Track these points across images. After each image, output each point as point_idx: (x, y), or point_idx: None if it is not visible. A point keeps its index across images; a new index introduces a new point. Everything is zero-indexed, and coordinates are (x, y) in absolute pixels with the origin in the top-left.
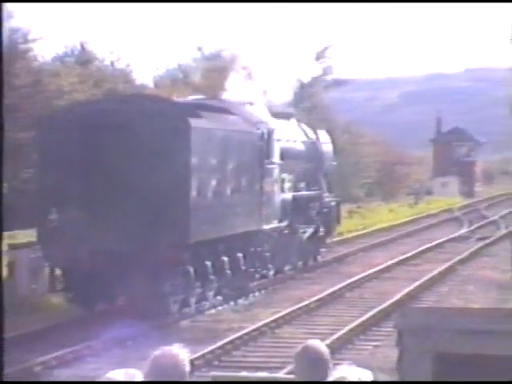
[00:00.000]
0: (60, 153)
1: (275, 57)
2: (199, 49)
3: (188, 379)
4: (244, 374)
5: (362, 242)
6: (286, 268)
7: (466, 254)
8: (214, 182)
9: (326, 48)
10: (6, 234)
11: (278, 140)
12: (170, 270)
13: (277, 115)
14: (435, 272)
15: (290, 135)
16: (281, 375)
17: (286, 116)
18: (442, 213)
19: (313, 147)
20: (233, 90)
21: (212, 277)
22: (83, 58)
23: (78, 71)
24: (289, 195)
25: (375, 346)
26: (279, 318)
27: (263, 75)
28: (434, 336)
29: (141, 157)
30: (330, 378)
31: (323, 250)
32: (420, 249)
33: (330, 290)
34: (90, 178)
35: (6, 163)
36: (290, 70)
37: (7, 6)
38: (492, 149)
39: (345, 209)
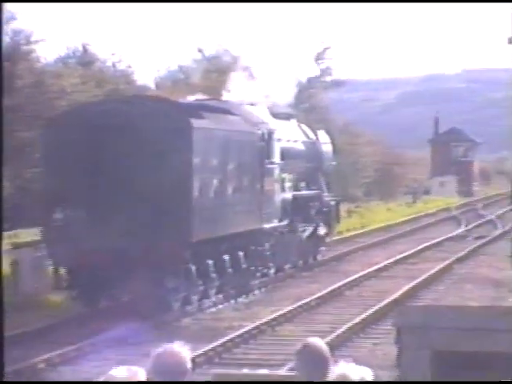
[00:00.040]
0: (64, 153)
1: (276, 58)
2: (200, 50)
3: (190, 376)
4: (245, 372)
5: (361, 241)
6: (287, 266)
7: (464, 252)
8: (215, 182)
9: (325, 49)
10: (9, 233)
11: (279, 140)
12: (172, 268)
13: (277, 116)
14: (433, 271)
15: (290, 135)
16: (281, 372)
17: (286, 116)
18: (439, 212)
19: (312, 147)
20: (235, 91)
21: (213, 275)
22: (85, 60)
23: (79, 72)
24: (289, 195)
25: (374, 344)
26: (279, 316)
27: (264, 76)
28: (432, 334)
29: (144, 157)
30: (331, 375)
31: (323, 248)
32: (418, 248)
33: (330, 289)
34: (94, 178)
35: (9, 163)
36: (290, 71)
37: (8, 6)
38: (488, 149)
39: (344, 208)
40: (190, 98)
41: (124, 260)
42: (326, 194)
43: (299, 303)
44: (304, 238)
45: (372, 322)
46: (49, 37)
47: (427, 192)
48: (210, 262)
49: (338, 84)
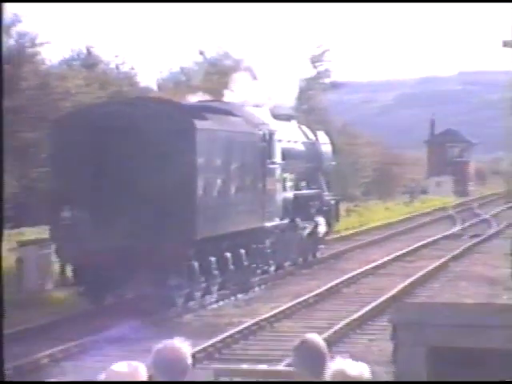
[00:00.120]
0: (69, 154)
1: (277, 59)
2: (201, 52)
3: (190, 372)
4: (245, 367)
5: (359, 240)
6: (287, 264)
7: (459, 250)
8: (218, 182)
9: (324, 51)
10: (14, 231)
11: (280, 141)
12: (177, 265)
13: (278, 117)
14: (429, 268)
15: (290, 136)
16: (280, 367)
17: (287, 118)
18: (436, 211)
19: (312, 148)
20: (238, 91)
21: (216, 272)
22: (89, 62)
23: (83, 74)
24: (290, 194)
25: (370, 340)
26: (278, 313)
27: (267, 77)
28: (428, 330)
29: (148, 158)
30: (328, 371)
31: (322, 246)
32: (415, 246)
33: (328, 286)
34: (98, 179)
35: (15, 163)
36: (292, 73)
37: (13, 8)
38: (484, 149)
39: (342, 207)
40: (192, 100)
41: (128, 261)
42: (325, 193)
43: (298, 300)
44: (304, 236)
45: (368, 319)
46: (53, 39)
47: (424, 192)
48: (213, 259)
49: (336, 86)
